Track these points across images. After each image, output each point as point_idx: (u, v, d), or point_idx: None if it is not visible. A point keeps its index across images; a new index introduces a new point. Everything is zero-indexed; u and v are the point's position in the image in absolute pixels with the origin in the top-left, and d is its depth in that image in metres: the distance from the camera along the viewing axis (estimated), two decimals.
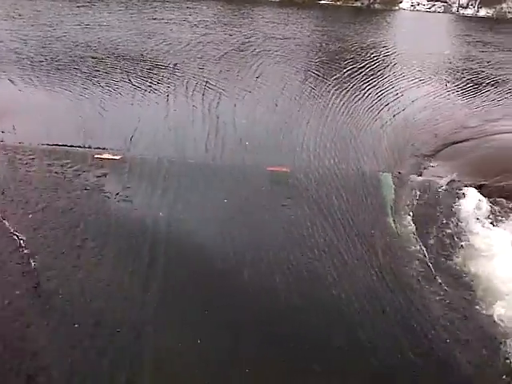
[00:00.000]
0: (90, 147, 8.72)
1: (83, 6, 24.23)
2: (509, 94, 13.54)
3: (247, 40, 18.68)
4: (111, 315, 5.28)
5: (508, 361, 4.94)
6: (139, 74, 13.26)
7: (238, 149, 9.08)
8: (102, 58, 14.53)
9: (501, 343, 5.13)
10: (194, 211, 7.19)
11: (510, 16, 33.49)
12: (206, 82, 12.83)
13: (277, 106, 11.40)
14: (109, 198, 7.27)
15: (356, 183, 8.16)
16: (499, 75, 15.67)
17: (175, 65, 14.25)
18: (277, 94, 12.18)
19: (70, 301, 5.41)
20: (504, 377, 4.81)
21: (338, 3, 34.65)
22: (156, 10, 24.56)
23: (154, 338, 5.07)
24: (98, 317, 5.25)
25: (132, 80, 12.65)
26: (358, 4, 34.67)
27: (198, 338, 5.10)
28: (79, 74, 12.92)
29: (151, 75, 13.20)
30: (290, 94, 12.29)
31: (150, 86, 12.26)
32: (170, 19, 22.38)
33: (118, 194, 7.35)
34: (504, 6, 33.97)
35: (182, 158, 8.60)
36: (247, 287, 5.82)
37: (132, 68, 13.78)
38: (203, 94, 11.87)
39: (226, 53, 16.27)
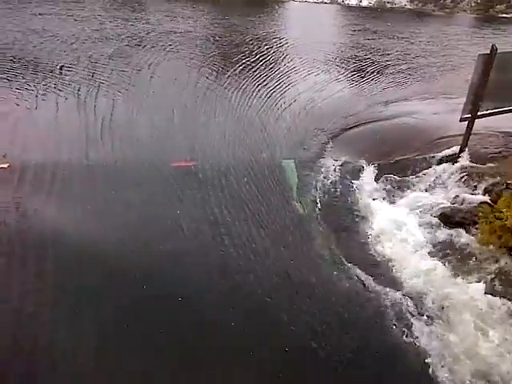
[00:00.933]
0: None
1: None
2: (392, 79, 14.59)
3: (140, 35, 18.15)
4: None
5: None
6: (24, 75, 12.31)
7: (139, 148, 8.84)
8: None
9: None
10: (98, 213, 6.89)
11: (388, 6, 36.10)
12: (99, 80, 12.29)
13: (177, 102, 11.23)
14: None
15: (261, 172, 8.37)
16: (384, 61, 16.83)
17: (64, 64, 13.41)
18: (176, 91, 12.00)
19: None
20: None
21: None
22: (37, 5, 22.90)
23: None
24: None
25: (16, 82, 11.72)
26: None
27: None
28: None
29: (38, 76, 12.31)
30: (189, 90, 12.16)
31: (37, 89, 11.44)
32: (55, 14, 21.02)
33: (8, 203, 6.80)
34: None
35: (79, 160, 8.18)
36: (161, 281, 5.77)
37: (16, 69, 12.76)
38: (96, 94, 11.35)
39: (118, 49, 15.66)
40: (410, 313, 5.48)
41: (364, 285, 5.88)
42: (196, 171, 8.13)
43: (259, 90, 12.35)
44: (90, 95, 11.27)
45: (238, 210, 7.17)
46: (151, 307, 5.41)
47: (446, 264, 6.18)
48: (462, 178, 7.59)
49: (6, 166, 7.73)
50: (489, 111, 8.24)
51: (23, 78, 12.06)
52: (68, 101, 10.92)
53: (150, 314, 5.32)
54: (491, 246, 6.18)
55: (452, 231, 6.73)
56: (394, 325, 5.33)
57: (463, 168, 7.80)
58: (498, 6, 35.20)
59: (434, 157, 8.41)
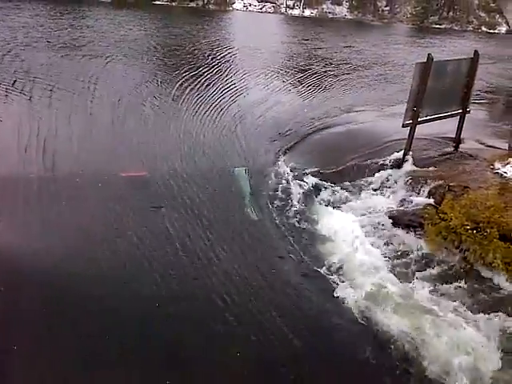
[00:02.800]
0: None
1: None
2: (335, 89, 14.96)
3: (82, 42, 17.64)
4: None
5: None
6: None
7: (86, 158, 8.58)
8: None
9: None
10: (47, 227, 6.62)
11: (330, 16, 37.23)
12: (37, 90, 11.76)
13: (121, 113, 10.95)
14: None
15: (213, 180, 8.37)
16: (327, 71, 17.26)
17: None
18: (121, 102, 11.63)
19: None
20: None
21: (173, 4, 34.68)
22: None
23: None
24: None
25: None
26: (193, 4, 35.17)
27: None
28: None
29: None
30: (135, 101, 11.85)
31: None
32: None
33: None
34: (324, 7, 37.63)
35: (20, 173, 7.84)
36: (118, 292, 5.66)
37: None
38: (34, 103, 10.90)
39: (57, 58, 15.09)
40: None
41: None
42: (149, 180, 8.07)
43: (208, 102, 12.13)
44: (26, 103, 10.81)
45: (190, 218, 7.15)
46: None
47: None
48: (407, 181, 7.90)
49: None
50: (428, 117, 8.68)
51: None
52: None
53: None
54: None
55: (400, 232, 6.98)
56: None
57: (408, 172, 8.13)
58: (431, 18, 37.23)
59: (379, 162, 8.70)
